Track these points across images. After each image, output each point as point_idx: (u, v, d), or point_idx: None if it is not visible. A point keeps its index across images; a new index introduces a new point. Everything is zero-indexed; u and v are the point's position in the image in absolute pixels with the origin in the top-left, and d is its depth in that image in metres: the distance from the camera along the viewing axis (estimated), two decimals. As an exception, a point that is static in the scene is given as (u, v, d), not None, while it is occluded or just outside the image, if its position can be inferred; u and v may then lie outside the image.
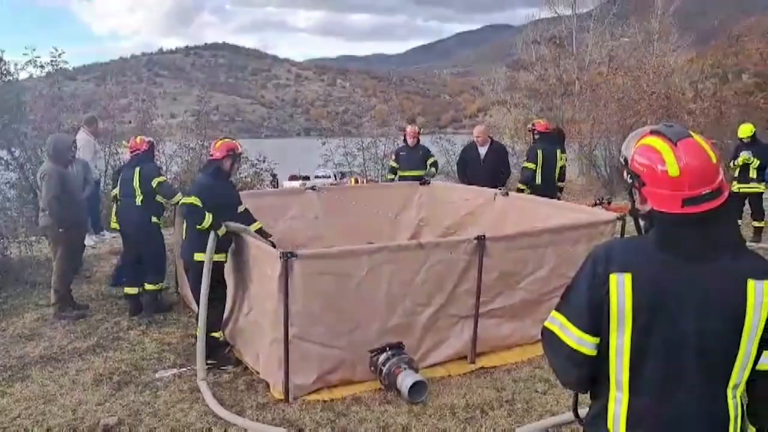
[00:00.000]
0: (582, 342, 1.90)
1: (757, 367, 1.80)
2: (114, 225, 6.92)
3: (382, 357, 4.75)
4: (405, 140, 9.73)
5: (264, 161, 15.55)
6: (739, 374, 1.80)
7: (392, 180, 9.66)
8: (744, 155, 9.51)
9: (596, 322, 1.87)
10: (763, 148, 9.69)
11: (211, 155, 5.44)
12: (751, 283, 1.75)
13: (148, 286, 6.62)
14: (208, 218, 5.09)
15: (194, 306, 5.86)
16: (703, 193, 1.78)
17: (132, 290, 6.62)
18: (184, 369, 5.22)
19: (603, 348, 1.88)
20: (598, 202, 10.73)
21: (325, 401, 4.59)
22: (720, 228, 1.82)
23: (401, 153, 9.64)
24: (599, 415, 1.92)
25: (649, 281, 1.80)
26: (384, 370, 4.68)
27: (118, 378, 5.07)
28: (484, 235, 5.21)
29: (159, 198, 6.61)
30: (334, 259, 4.84)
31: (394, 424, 4.25)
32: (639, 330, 1.81)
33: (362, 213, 8.38)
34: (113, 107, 16.08)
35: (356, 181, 10.37)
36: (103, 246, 9.68)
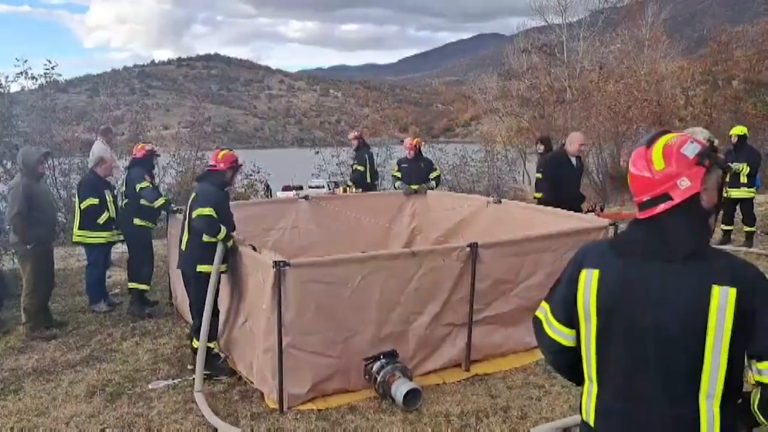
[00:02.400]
0: (559, 332, 2.05)
1: (761, 380, 1.77)
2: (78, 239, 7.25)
3: (377, 365, 4.75)
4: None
5: (258, 172, 15.55)
6: (711, 383, 1.76)
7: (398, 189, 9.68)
8: (732, 167, 9.58)
9: (571, 315, 2.01)
10: (753, 153, 9.76)
11: (214, 166, 5.47)
12: (716, 289, 1.74)
13: (130, 284, 7.03)
14: (224, 230, 5.11)
15: (188, 317, 5.85)
16: (644, 200, 1.88)
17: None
18: (178, 380, 5.20)
19: (578, 341, 2.01)
20: (590, 208, 10.77)
21: (319, 410, 4.58)
22: (678, 231, 1.83)
23: (403, 165, 9.57)
24: (579, 406, 2.06)
25: (613, 278, 1.89)
26: (378, 379, 4.67)
27: (111, 389, 5.05)
28: (476, 243, 5.23)
29: (144, 202, 6.87)
30: (327, 267, 4.84)
31: (389, 432, 4.25)
32: (602, 323, 1.91)
33: (355, 222, 8.39)
34: (106, 119, 16.08)
35: (344, 190, 10.33)
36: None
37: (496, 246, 5.44)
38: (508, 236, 5.97)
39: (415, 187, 8.99)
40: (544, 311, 2.11)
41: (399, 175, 9.60)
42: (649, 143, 1.91)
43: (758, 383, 1.81)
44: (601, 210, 10.70)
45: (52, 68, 14.08)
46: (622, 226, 5.89)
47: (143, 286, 7.02)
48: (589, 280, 1.93)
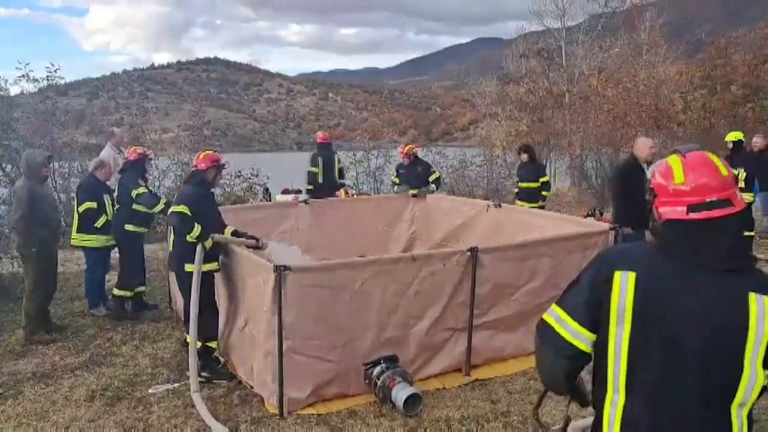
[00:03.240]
0: (578, 335, 1.93)
1: None
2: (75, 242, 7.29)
3: (377, 370, 4.75)
4: None
5: (257, 175, 15.52)
6: (746, 393, 1.76)
7: (396, 194, 9.76)
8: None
9: (595, 318, 1.90)
10: (750, 158, 9.79)
11: (195, 166, 5.52)
12: (753, 297, 1.74)
13: (115, 291, 6.99)
14: (197, 228, 5.09)
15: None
16: (708, 200, 1.81)
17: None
18: (178, 384, 5.19)
19: (601, 347, 1.90)
20: (590, 213, 10.81)
21: (319, 415, 4.58)
22: (726, 239, 1.81)
23: (400, 170, 9.72)
24: (598, 418, 1.93)
25: (652, 282, 1.82)
26: (379, 383, 4.67)
27: (111, 394, 5.04)
28: (477, 247, 5.23)
29: (137, 207, 6.85)
30: (328, 271, 4.84)
31: (390, 437, 4.25)
32: (638, 328, 1.82)
33: (355, 226, 8.40)
34: (106, 122, 16.07)
35: (346, 194, 10.33)
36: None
37: (496, 250, 5.45)
38: (508, 240, 5.99)
39: (413, 191, 9.01)
40: (555, 315, 1.99)
41: (397, 180, 9.68)
42: (688, 151, 1.91)
43: None
44: (601, 214, 10.73)
45: (55, 71, 14.07)
46: (627, 230, 5.90)
47: (127, 293, 6.96)
48: (624, 283, 1.84)
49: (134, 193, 6.83)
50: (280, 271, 4.47)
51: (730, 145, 9.75)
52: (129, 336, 6.41)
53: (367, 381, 4.78)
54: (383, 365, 4.76)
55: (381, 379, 4.67)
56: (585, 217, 9.59)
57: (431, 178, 9.51)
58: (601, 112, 19.41)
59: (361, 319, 4.84)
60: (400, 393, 4.53)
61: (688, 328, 1.76)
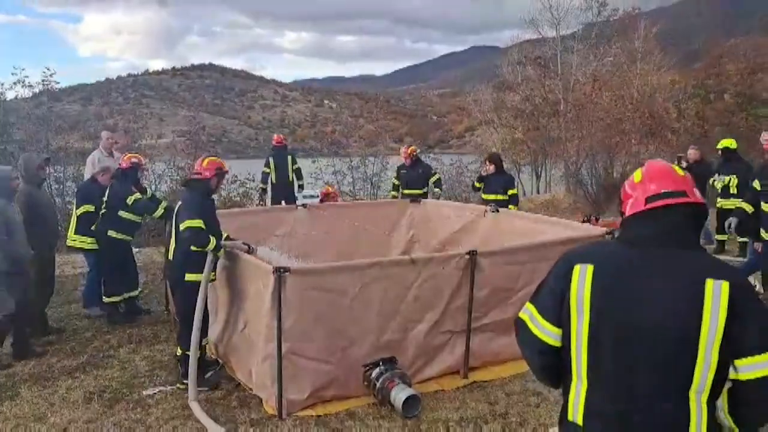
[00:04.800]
0: (546, 332, 2.03)
1: (741, 377, 1.79)
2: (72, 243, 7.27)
3: (376, 372, 4.76)
4: None
5: (253, 180, 15.55)
6: (702, 379, 1.79)
7: (395, 197, 9.84)
8: (718, 182, 9.76)
9: (559, 314, 2.00)
10: (742, 165, 9.88)
11: (198, 173, 5.35)
12: (709, 283, 1.78)
13: (104, 299, 6.97)
14: (213, 241, 5.03)
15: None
16: (664, 191, 1.92)
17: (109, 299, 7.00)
18: (176, 386, 5.17)
19: (565, 340, 1.98)
20: (586, 219, 10.85)
21: (318, 416, 4.58)
22: (681, 225, 1.91)
23: (402, 171, 9.88)
24: (564, 406, 2.03)
25: (609, 271, 1.91)
26: (377, 385, 4.68)
27: (109, 396, 5.03)
28: (475, 251, 5.26)
29: (124, 215, 6.83)
30: (327, 274, 4.86)
31: (389, 438, 4.26)
32: (595, 318, 1.89)
33: (353, 230, 8.40)
34: (100, 127, 16.06)
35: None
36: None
37: (494, 254, 5.48)
38: (506, 245, 6.01)
39: (416, 191, 9.23)
40: (528, 312, 2.09)
41: (398, 182, 9.79)
42: (651, 161, 2.10)
43: (733, 381, 1.83)
44: (596, 220, 10.78)
45: (51, 76, 14.10)
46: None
47: (115, 299, 6.94)
48: (583, 275, 1.93)
49: (130, 199, 6.83)
50: (280, 273, 4.49)
51: (720, 152, 9.87)
52: (126, 339, 6.40)
53: (366, 383, 4.79)
54: (382, 367, 4.77)
55: (380, 380, 4.68)
56: (581, 222, 9.63)
57: (432, 180, 9.62)
58: (596, 119, 19.54)
59: (360, 322, 4.85)
60: (399, 394, 4.54)
61: (643, 314, 1.82)
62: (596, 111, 20.15)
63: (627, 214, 2.00)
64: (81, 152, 14.67)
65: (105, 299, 6.91)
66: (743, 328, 1.76)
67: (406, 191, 9.62)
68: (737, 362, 1.78)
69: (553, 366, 2.07)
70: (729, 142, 10.00)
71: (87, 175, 9.09)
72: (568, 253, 2.08)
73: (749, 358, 1.77)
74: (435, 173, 9.94)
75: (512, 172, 21.27)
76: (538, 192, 22.52)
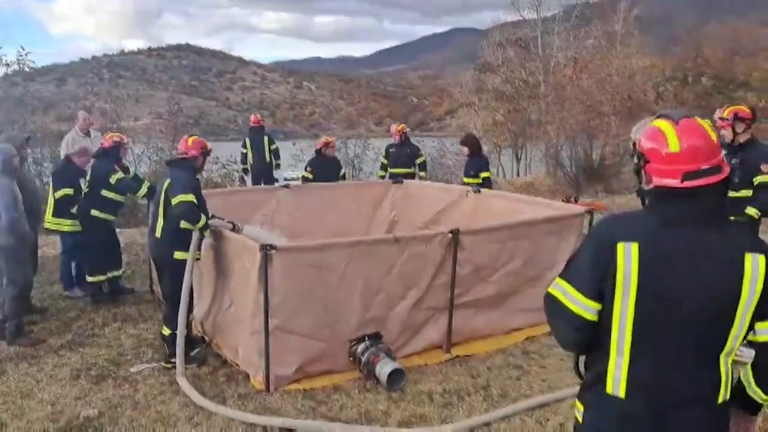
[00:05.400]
0: (584, 307, 2.00)
1: (759, 339, 1.94)
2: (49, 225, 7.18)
3: (361, 347, 4.87)
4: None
5: (234, 162, 15.48)
6: (733, 342, 1.92)
7: (383, 177, 9.93)
8: None
9: (599, 289, 1.97)
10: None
11: (184, 153, 5.40)
12: (748, 257, 1.87)
13: (88, 278, 6.94)
14: (203, 218, 5.08)
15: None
16: (703, 168, 1.90)
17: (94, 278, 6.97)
18: (159, 364, 5.21)
19: (605, 315, 1.99)
20: (566, 200, 11.02)
21: (305, 390, 4.68)
22: (718, 203, 1.94)
23: (390, 150, 10.00)
24: (598, 380, 2.03)
25: (655, 251, 1.91)
26: (363, 360, 4.79)
27: (95, 373, 5.07)
28: (458, 229, 5.36)
29: (107, 194, 6.79)
30: (313, 252, 4.92)
31: (374, 410, 4.37)
32: (643, 297, 1.91)
33: (335, 211, 8.45)
34: (77, 109, 15.82)
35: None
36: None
37: (477, 233, 5.59)
38: (488, 225, 6.12)
39: (404, 170, 9.35)
40: (561, 288, 2.06)
41: (386, 161, 9.87)
42: (679, 118, 1.98)
43: (758, 345, 1.96)
44: (576, 201, 10.97)
45: (26, 55, 13.83)
46: (599, 216, 6.08)
47: (100, 278, 6.92)
48: (629, 253, 1.91)
49: (113, 179, 6.79)
50: (266, 250, 4.54)
51: None
52: (111, 318, 6.42)
53: (351, 358, 4.89)
54: (367, 342, 4.88)
55: (365, 355, 4.79)
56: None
57: (418, 161, 9.72)
58: (576, 101, 19.73)
59: (345, 298, 4.94)
60: (384, 368, 4.65)
61: (687, 291, 1.88)
62: (576, 93, 20.33)
63: (660, 183, 1.96)
64: (58, 134, 14.47)
65: (89, 278, 6.89)
66: None
67: (393, 170, 9.70)
68: (758, 325, 1.93)
69: (588, 339, 2.06)
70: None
71: (62, 156, 9.00)
72: (603, 228, 2.05)
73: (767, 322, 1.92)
74: (421, 155, 10.03)
75: (492, 155, 21.46)
76: (518, 174, 22.71)
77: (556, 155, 19.82)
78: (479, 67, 27.96)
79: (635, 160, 2.09)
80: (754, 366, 2.03)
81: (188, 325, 5.26)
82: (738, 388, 2.07)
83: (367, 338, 4.89)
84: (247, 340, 4.87)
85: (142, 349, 5.61)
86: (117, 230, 7.53)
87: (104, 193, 6.79)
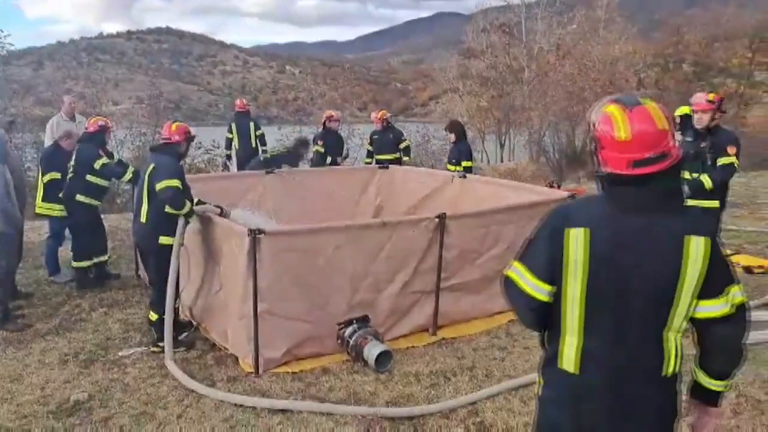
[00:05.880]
0: (537, 288, 2.12)
1: (697, 315, 2.04)
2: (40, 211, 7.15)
3: (349, 329, 4.94)
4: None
5: (218, 147, 15.41)
6: (678, 320, 2.03)
7: (369, 163, 9.97)
8: None
9: (552, 272, 2.09)
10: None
11: (168, 138, 5.41)
12: (691, 239, 1.97)
13: (73, 264, 6.93)
14: (188, 204, 5.11)
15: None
16: (647, 156, 1.98)
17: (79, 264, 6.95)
18: (147, 348, 5.24)
19: (557, 296, 2.11)
20: (549, 185, 11.14)
21: (294, 373, 4.75)
22: (665, 188, 2.02)
23: (374, 137, 10.05)
24: (554, 357, 2.16)
25: (602, 235, 2.02)
26: (351, 342, 4.86)
27: (84, 357, 5.09)
28: (444, 214, 5.43)
29: (92, 179, 6.76)
30: (301, 236, 4.98)
31: (363, 391, 4.45)
32: (592, 279, 2.03)
33: (321, 196, 8.47)
34: (52, 93, 15.63)
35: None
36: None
37: (463, 217, 5.67)
38: (472, 209, 6.20)
39: (389, 156, 9.43)
40: (517, 271, 2.17)
41: (371, 148, 9.93)
42: (631, 104, 2.02)
43: (704, 321, 2.05)
44: (558, 187, 11.11)
45: (5, 37, 13.60)
46: None
47: (85, 263, 6.92)
48: (578, 239, 2.02)
49: (98, 164, 6.74)
50: (255, 234, 4.58)
51: (679, 120, 10.16)
52: (97, 303, 6.42)
53: (339, 341, 4.96)
54: (355, 325, 4.94)
55: (353, 338, 4.86)
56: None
57: (401, 146, 9.79)
58: (559, 87, 19.85)
59: (333, 282, 5.00)
60: (372, 350, 4.73)
61: (633, 273, 1.99)
62: (559, 80, 20.45)
63: (609, 169, 2.04)
64: (40, 120, 14.30)
65: (74, 264, 6.88)
66: (712, 276, 1.99)
67: (379, 156, 9.76)
68: (699, 303, 2.03)
69: (541, 318, 2.19)
70: (687, 110, 10.31)
71: (47, 141, 8.94)
72: (558, 215, 2.14)
73: (708, 300, 2.02)
74: (405, 140, 10.11)
75: (477, 141, 21.54)
76: (501, 160, 22.83)
77: (540, 141, 19.96)
78: (463, 52, 27.94)
79: (590, 143, 2.16)
80: (697, 346, 2.13)
81: (175, 310, 5.30)
82: (691, 378, 2.18)
83: (355, 321, 4.96)
84: (236, 324, 4.91)
85: (129, 333, 5.63)
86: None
87: (89, 177, 6.75)
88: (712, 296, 2.01)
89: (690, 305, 2.02)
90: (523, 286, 2.15)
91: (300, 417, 4.09)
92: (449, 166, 8.70)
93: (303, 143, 10.18)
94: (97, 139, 6.95)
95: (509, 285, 2.20)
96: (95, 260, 6.97)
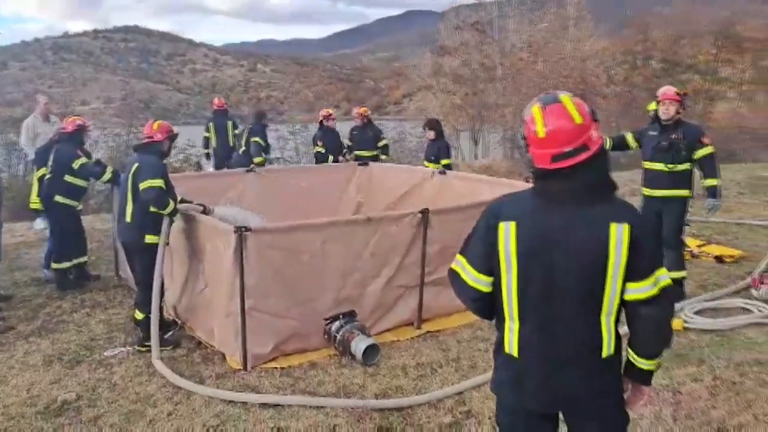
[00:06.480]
0: (477, 280, 2.29)
1: (625, 297, 2.17)
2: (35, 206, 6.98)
3: (336, 325, 5.00)
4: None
5: (194, 146, 15.29)
6: (610, 304, 2.16)
7: (347, 159, 10.01)
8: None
9: (489, 264, 2.25)
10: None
11: (150, 137, 5.39)
12: (613, 226, 2.10)
13: (53, 265, 6.85)
14: (172, 204, 5.11)
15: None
16: (566, 150, 2.12)
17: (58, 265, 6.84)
18: (133, 348, 5.23)
19: (497, 286, 2.26)
20: (525, 181, 11.30)
21: (282, 368, 4.79)
22: (589, 179, 2.15)
23: (354, 132, 10.10)
24: (500, 342, 2.34)
25: (530, 227, 2.17)
26: (338, 337, 4.92)
27: (69, 358, 5.07)
28: (428, 209, 5.52)
29: (70, 179, 6.69)
30: (287, 233, 5.02)
31: (351, 384, 4.52)
32: (523, 270, 2.18)
33: (301, 194, 8.49)
34: (19, 93, 15.36)
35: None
36: (29, 233, 9.33)
37: (445, 212, 5.76)
38: (452, 205, 6.29)
39: (367, 153, 9.49)
40: (460, 264, 2.34)
41: (350, 143, 9.99)
42: (548, 102, 2.17)
43: (631, 303, 2.17)
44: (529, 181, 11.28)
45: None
46: None
47: (65, 265, 6.84)
48: (507, 232, 2.17)
49: (76, 164, 6.65)
50: (241, 232, 4.61)
51: (651, 114, 10.42)
52: (79, 304, 6.37)
53: (326, 335, 5.02)
54: (342, 320, 5.01)
55: (340, 333, 4.92)
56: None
57: (380, 144, 9.86)
58: (531, 85, 20.10)
59: (320, 278, 5.05)
60: (359, 344, 4.80)
61: (563, 259, 2.13)
62: (531, 77, 20.71)
63: (536, 164, 2.19)
64: (10, 120, 14.04)
65: (54, 265, 6.80)
66: (638, 260, 2.12)
67: (358, 152, 9.81)
68: (626, 286, 2.16)
69: (485, 307, 2.36)
70: (652, 106, 10.57)
71: (23, 142, 8.81)
72: (491, 209, 2.29)
73: (635, 282, 2.15)
74: (383, 138, 10.17)
75: (452, 138, 21.70)
76: (476, 157, 23.05)
77: (513, 138, 20.19)
78: (437, 50, 28.09)
79: (523, 141, 2.31)
80: (628, 327, 2.26)
81: (160, 309, 5.30)
82: (626, 357, 2.32)
83: (341, 316, 5.02)
84: (222, 321, 4.94)
85: (113, 334, 5.61)
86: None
87: (67, 178, 6.68)
88: (638, 279, 2.14)
89: (620, 288, 2.15)
90: (466, 278, 2.32)
91: (291, 411, 4.15)
92: (427, 164, 8.76)
93: (260, 115, 10.79)
94: (75, 138, 6.87)
95: (454, 277, 2.37)
96: (75, 261, 6.91)
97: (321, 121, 10.10)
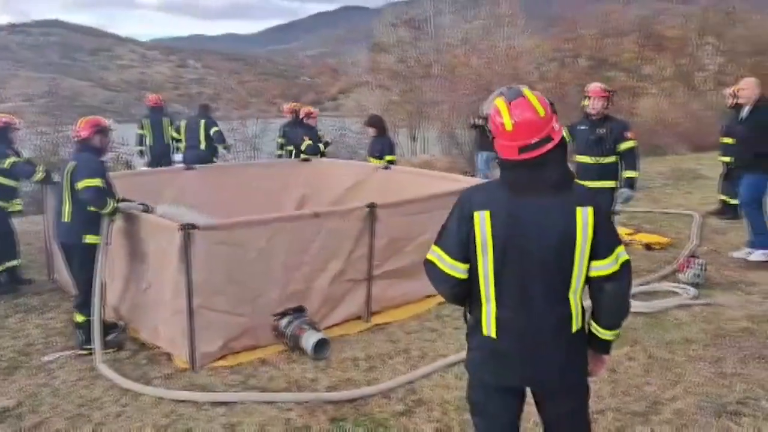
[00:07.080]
0: (454, 268, 2.43)
1: (590, 274, 2.37)
2: None
3: (285, 320, 5.00)
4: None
5: (126, 144, 14.80)
6: (577, 281, 2.36)
7: (280, 155, 9.92)
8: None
9: (465, 252, 2.40)
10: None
11: (77, 135, 5.23)
12: (579, 210, 2.31)
13: None
14: (111, 203, 4.97)
15: (73, 290, 5.63)
16: (533, 141, 2.30)
17: None
18: (72, 352, 5.06)
19: (473, 272, 2.41)
20: (463, 174, 11.57)
21: (231, 366, 4.75)
22: (552, 168, 2.34)
23: (285, 129, 10.00)
24: (476, 324, 2.48)
25: (503, 215, 2.33)
26: (288, 333, 4.93)
27: (5, 365, 4.86)
28: (375, 203, 5.59)
29: (0, 179, 6.47)
30: (234, 229, 4.98)
31: (303, 378, 4.54)
32: (499, 255, 2.34)
33: (244, 191, 8.39)
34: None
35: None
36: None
37: (392, 206, 5.85)
38: (396, 199, 6.37)
39: (304, 156, 9.33)
40: (436, 254, 2.47)
41: (282, 141, 9.89)
42: (513, 97, 2.32)
43: (596, 279, 2.36)
44: (473, 176, 11.54)
45: None
46: None
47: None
48: (483, 220, 2.33)
49: (7, 163, 6.39)
50: (187, 229, 4.54)
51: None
52: (12, 309, 6.10)
53: (275, 332, 5.01)
54: (291, 316, 5.01)
55: (290, 328, 4.93)
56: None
57: (303, 146, 9.47)
58: (468, 81, 20.47)
59: (267, 274, 5.04)
60: (309, 339, 4.82)
61: (535, 243, 2.31)
62: (467, 74, 21.08)
63: (503, 156, 2.35)
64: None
65: None
66: (600, 239, 2.33)
67: (289, 148, 9.76)
68: (591, 263, 2.36)
69: (462, 293, 2.50)
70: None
71: None
72: (464, 200, 2.43)
73: (599, 260, 2.35)
74: (306, 139, 9.95)
75: (391, 134, 21.82)
76: (414, 154, 23.29)
77: (451, 134, 20.51)
78: (372, 46, 28.18)
79: (488, 134, 2.50)
80: (591, 301, 2.46)
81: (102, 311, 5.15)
82: (588, 330, 2.51)
83: (291, 312, 5.03)
84: (168, 320, 4.86)
85: (51, 338, 5.41)
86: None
87: (4, 179, 6.36)
88: (602, 257, 2.34)
89: (586, 266, 2.35)
90: (443, 267, 2.45)
91: (243, 407, 4.13)
92: (372, 160, 8.75)
93: (207, 107, 10.84)
94: (3, 137, 6.56)
95: (430, 268, 2.50)
96: (7, 265, 6.60)
97: (302, 118, 9.84)
